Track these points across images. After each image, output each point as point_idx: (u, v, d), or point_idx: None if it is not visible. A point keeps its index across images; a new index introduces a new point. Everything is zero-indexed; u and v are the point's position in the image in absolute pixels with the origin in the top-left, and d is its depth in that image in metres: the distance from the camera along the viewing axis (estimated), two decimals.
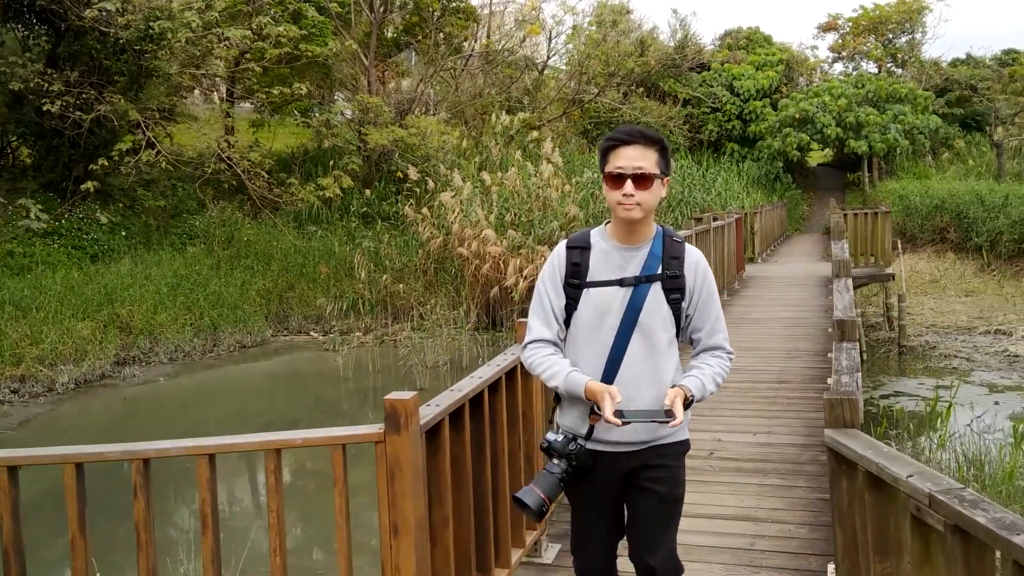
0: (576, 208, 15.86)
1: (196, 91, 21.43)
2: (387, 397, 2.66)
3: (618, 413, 2.43)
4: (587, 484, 2.65)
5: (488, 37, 25.63)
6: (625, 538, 2.77)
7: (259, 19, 17.50)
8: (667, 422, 2.46)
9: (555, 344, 2.68)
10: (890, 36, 33.01)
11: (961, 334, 14.04)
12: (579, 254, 2.65)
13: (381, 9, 22.03)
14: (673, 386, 2.57)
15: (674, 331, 2.66)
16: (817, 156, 34.29)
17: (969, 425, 7.74)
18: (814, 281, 13.70)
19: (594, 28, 26.78)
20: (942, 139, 29.14)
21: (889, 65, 33.06)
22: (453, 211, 15.95)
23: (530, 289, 14.81)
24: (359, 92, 20.10)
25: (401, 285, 15.78)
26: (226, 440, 2.80)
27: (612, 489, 2.68)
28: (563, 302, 2.66)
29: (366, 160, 19.85)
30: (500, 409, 3.56)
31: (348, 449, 2.72)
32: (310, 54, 18.21)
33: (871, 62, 33.56)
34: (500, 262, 15.18)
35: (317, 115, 19.96)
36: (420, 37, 22.83)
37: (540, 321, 2.68)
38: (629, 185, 2.54)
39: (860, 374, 3.28)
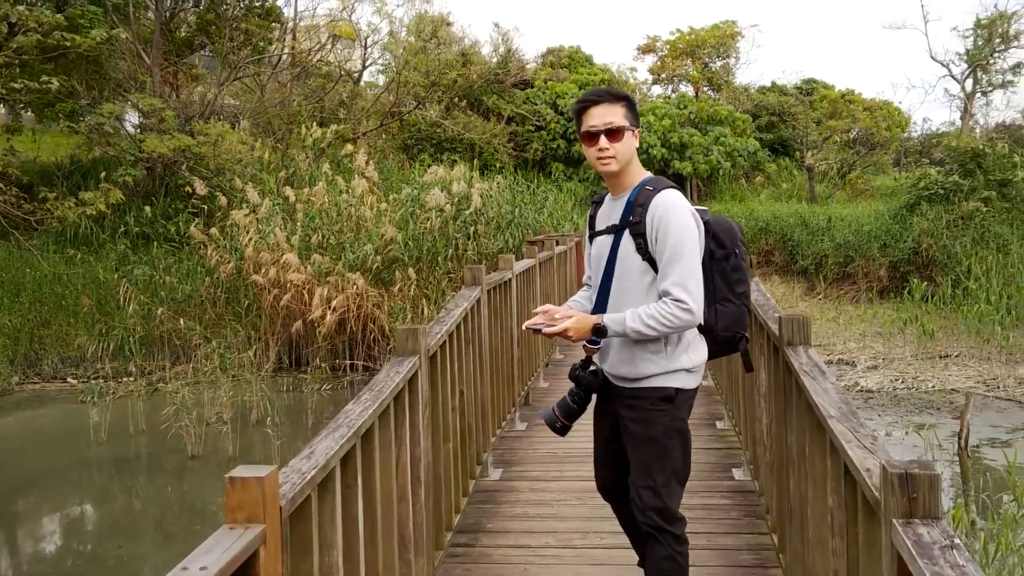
0: (394, 229, 13.85)
1: None
2: None
3: (536, 329, 2.90)
4: (597, 409, 3.05)
5: (295, 39, 23.22)
6: None
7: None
8: (539, 330, 2.86)
9: (589, 287, 3.15)
10: (706, 60, 33.37)
11: None
12: (594, 208, 3.07)
13: (169, 1, 19.24)
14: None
15: (652, 275, 2.81)
16: None
17: None
18: None
19: (412, 39, 24.96)
20: (755, 163, 29.53)
21: (705, 89, 33.40)
22: (247, 232, 13.57)
23: (339, 323, 12.76)
24: (137, 93, 17.19)
25: (182, 320, 13.17)
26: None
27: (610, 416, 2.98)
28: (590, 250, 3.07)
29: (149, 172, 16.97)
30: None
31: None
32: (69, 45, 15.15)
33: (688, 84, 33.80)
34: (304, 291, 12.98)
35: (87, 119, 16.81)
36: (216, 38, 20.01)
37: (586, 266, 3.18)
38: (603, 140, 2.84)
39: None
